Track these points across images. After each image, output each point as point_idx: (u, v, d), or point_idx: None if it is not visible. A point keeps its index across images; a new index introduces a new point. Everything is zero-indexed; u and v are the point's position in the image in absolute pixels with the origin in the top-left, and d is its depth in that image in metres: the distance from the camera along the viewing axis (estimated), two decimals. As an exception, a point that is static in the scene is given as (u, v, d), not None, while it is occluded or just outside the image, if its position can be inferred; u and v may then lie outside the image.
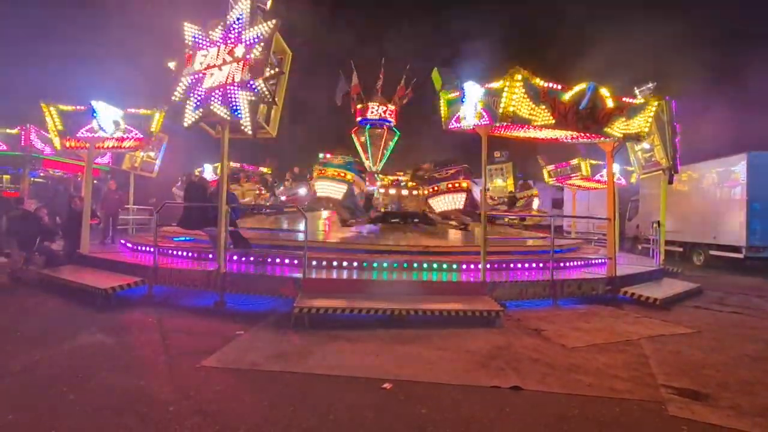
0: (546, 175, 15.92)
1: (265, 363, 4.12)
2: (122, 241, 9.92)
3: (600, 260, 8.53)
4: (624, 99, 6.90)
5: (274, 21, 6.00)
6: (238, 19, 6.19)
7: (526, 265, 7.71)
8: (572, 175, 14.65)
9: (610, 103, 6.60)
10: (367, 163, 13.93)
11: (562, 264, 7.97)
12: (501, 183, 18.37)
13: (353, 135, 13.63)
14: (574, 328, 5.50)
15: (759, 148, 11.83)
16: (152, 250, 7.05)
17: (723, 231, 12.17)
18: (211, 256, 7.26)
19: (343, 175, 9.90)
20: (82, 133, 8.43)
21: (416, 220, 11.40)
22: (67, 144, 8.46)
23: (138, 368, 3.95)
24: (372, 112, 12.93)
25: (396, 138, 13.81)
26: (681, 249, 13.97)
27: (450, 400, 3.40)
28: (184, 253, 7.85)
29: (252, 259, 7.36)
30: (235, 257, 7.26)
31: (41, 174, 15.15)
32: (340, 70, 13.75)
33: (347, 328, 5.24)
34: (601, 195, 12.66)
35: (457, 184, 10.05)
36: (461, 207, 10.08)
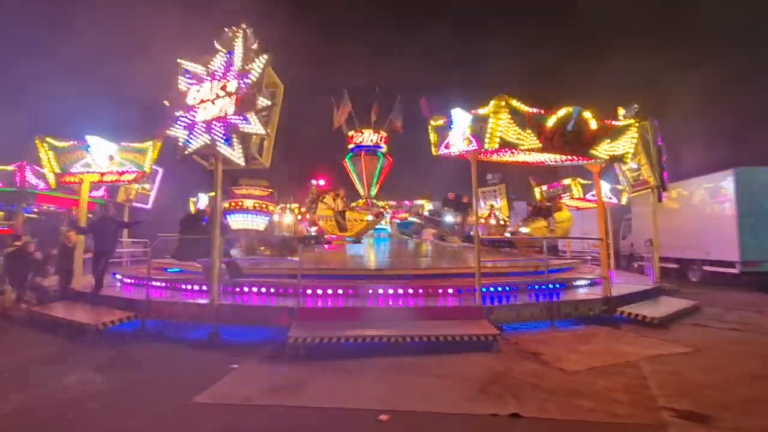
0: (538, 196, 16.08)
1: (259, 397, 4.04)
2: (115, 275, 9.82)
3: (595, 280, 8.53)
4: (607, 121, 7.09)
5: (265, 56, 6.21)
6: (230, 54, 6.39)
7: (522, 287, 7.68)
8: (563, 195, 14.81)
9: (594, 125, 6.78)
10: (361, 190, 14.09)
11: (557, 285, 7.96)
12: (495, 205, 18.50)
13: (345, 163, 13.83)
14: (573, 351, 5.44)
15: (747, 162, 12.07)
16: (145, 283, 6.98)
17: (716, 246, 12.24)
18: (205, 287, 7.20)
19: None
20: (76, 168, 8.50)
21: None
22: (62, 180, 8.52)
23: (128, 407, 3.85)
24: (363, 140, 13.19)
25: (385, 163, 14.03)
26: (677, 265, 13.99)
27: (448, 430, 3.33)
28: (178, 286, 7.78)
29: (246, 289, 7.30)
30: (229, 288, 7.20)
31: (35, 210, 15.11)
32: (332, 97, 14.11)
33: (343, 357, 5.16)
34: (593, 214, 12.78)
35: None
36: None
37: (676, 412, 3.57)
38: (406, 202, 22.24)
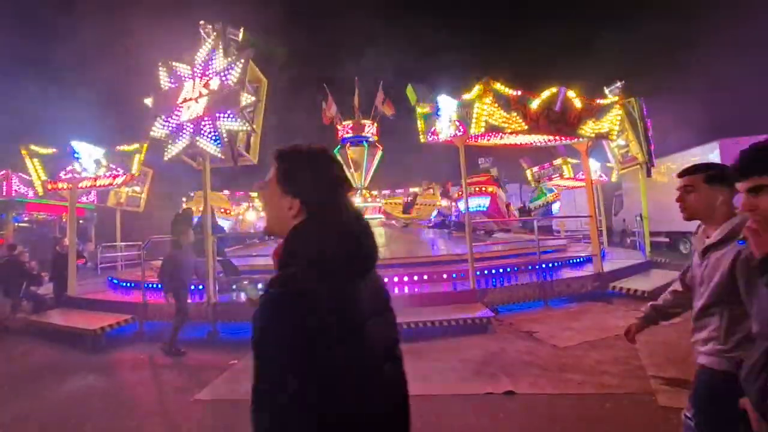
0: (530, 177, 16.18)
1: (259, 391, 4.11)
2: (110, 279, 9.82)
3: (587, 257, 8.66)
4: (592, 100, 7.13)
5: (246, 51, 6.15)
6: (211, 52, 6.33)
7: (516, 268, 7.79)
8: (554, 175, 14.92)
9: (578, 104, 6.82)
10: (354, 181, 14.08)
11: (550, 264, 8.08)
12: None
13: (343, 152, 13.78)
14: (566, 328, 5.56)
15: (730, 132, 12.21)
16: (141, 286, 7.00)
17: (705, 218, 12.40)
18: (201, 287, 7.23)
19: None
20: (63, 174, 8.43)
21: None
22: (50, 187, 8.45)
23: (130, 409, 3.91)
24: (353, 130, 13.13)
25: (380, 154, 13.98)
26: (667, 239, 14.19)
27: (445, 411, 3.43)
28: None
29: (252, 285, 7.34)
30: (225, 286, 7.24)
31: (25, 218, 14.99)
32: (321, 93, 13.98)
33: (341, 347, 5.23)
34: (585, 193, 12.89)
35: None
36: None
37: (664, 380, 3.70)
38: (399, 191, 22.28)
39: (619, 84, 8.65)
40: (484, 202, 14.37)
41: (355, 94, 13.41)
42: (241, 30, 6.63)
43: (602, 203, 13.85)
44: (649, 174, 10.47)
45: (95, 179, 8.65)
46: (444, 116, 6.81)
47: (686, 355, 4.31)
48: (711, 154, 12.11)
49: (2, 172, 12.68)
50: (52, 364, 5.54)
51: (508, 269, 7.72)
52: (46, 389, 4.51)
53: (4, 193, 12.65)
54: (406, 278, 7.13)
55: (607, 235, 13.96)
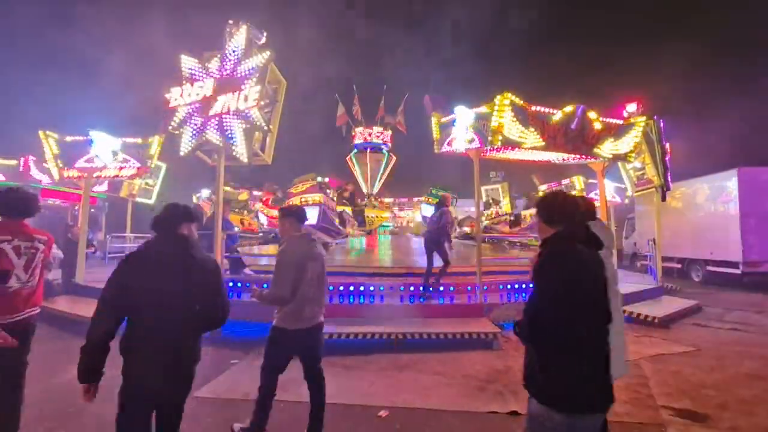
0: (541, 193, 16.06)
1: (259, 392, 4.06)
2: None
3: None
4: (612, 120, 7.05)
5: (268, 53, 6.20)
6: (233, 51, 6.39)
7: (524, 285, 7.67)
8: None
9: (597, 125, 6.76)
10: (364, 187, 14.13)
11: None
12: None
13: (349, 160, 13.84)
14: (573, 349, 5.44)
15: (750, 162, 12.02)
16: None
17: (719, 246, 12.19)
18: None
19: None
20: (80, 163, 8.53)
21: None
22: (66, 174, 8.56)
23: (130, 401, 3.88)
24: (367, 137, 13.19)
25: (387, 160, 14.02)
26: (679, 265, 13.95)
27: (446, 427, 3.35)
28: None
29: (248, 285, 7.32)
30: (230, 284, 7.22)
31: (39, 204, 15.20)
32: (338, 97, 14.11)
33: (343, 354, 5.18)
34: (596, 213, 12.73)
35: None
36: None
37: (675, 411, 3.58)
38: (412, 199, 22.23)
39: (639, 105, 8.56)
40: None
41: (355, 100, 13.52)
42: (264, 33, 6.70)
43: (613, 225, 13.67)
44: (663, 198, 10.31)
45: (110, 169, 8.75)
46: (460, 127, 6.79)
47: (699, 386, 4.20)
48: (729, 181, 11.92)
49: (21, 157, 12.91)
50: (55, 351, 5.53)
51: (516, 285, 7.60)
52: (48, 376, 4.50)
53: (21, 178, 12.85)
54: (411, 288, 7.06)
55: (618, 258, 13.76)
